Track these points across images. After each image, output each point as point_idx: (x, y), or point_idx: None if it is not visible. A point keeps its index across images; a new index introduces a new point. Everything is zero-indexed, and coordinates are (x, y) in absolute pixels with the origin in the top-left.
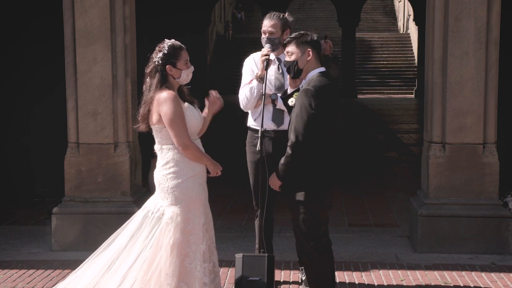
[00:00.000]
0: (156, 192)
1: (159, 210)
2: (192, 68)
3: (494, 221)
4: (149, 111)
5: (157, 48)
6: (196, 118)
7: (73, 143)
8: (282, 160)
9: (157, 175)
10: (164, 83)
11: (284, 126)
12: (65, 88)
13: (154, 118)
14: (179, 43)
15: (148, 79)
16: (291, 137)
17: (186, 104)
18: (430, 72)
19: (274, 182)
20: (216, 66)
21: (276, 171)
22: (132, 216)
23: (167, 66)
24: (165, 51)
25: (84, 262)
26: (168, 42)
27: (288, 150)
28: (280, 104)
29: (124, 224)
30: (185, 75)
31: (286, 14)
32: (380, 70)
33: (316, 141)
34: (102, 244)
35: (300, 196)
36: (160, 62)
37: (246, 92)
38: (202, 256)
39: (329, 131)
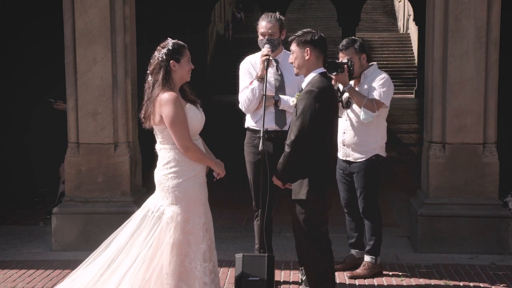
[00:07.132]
0: (156, 192)
1: (159, 209)
2: (192, 66)
3: (494, 221)
4: (152, 110)
5: (159, 47)
6: (198, 119)
7: (73, 143)
8: (281, 159)
9: (158, 175)
10: (168, 79)
11: (287, 127)
12: (65, 87)
13: (156, 118)
14: (182, 42)
15: (150, 77)
16: (291, 136)
17: (188, 104)
18: (430, 72)
19: (277, 182)
20: (216, 66)
21: (275, 171)
22: (132, 216)
23: (171, 61)
24: (170, 47)
25: (83, 263)
26: (171, 40)
27: (286, 149)
28: (282, 105)
29: (124, 224)
30: (187, 73)
31: (279, 14)
32: None
33: (317, 141)
34: (101, 245)
35: (301, 195)
36: (164, 57)
37: (247, 94)
38: (203, 256)
39: (329, 131)
